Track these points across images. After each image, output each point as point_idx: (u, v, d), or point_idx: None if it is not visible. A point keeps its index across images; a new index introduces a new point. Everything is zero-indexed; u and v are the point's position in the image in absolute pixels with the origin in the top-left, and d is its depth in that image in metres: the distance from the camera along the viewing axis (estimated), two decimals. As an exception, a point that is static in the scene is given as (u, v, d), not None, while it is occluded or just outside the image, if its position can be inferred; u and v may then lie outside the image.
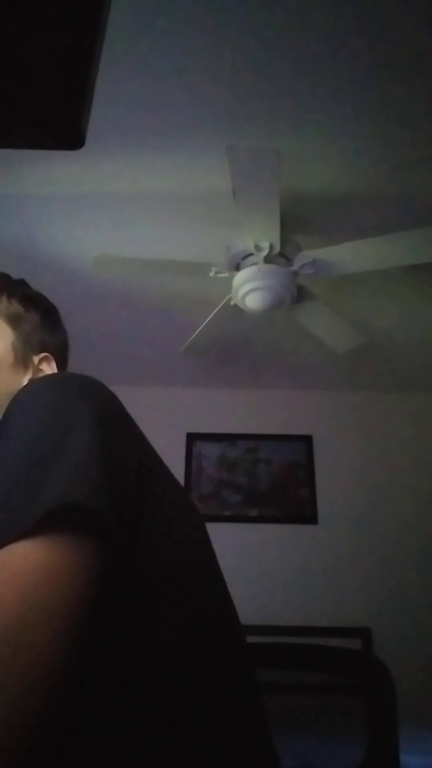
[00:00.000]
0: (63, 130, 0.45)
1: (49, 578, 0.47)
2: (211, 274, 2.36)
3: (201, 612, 0.62)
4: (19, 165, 2.11)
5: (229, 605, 0.68)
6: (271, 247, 2.23)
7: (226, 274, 2.36)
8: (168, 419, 3.46)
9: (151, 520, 0.59)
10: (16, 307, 0.94)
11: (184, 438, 3.55)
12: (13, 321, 0.92)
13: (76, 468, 0.53)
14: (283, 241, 2.23)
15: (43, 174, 2.16)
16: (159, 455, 0.69)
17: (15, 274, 1.01)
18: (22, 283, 0.99)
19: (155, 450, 0.69)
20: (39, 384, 0.64)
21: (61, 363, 0.98)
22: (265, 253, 2.25)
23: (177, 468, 3.34)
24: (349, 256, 2.23)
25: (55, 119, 0.44)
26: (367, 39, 1.67)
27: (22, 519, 0.49)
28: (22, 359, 0.90)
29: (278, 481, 3.47)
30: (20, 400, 0.62)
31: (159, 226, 2.40)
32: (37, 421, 0.58)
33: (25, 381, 0.89)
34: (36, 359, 0.92)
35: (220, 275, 2.36)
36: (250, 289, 2.31)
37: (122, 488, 0.56)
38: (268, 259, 2.27)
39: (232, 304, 2.46)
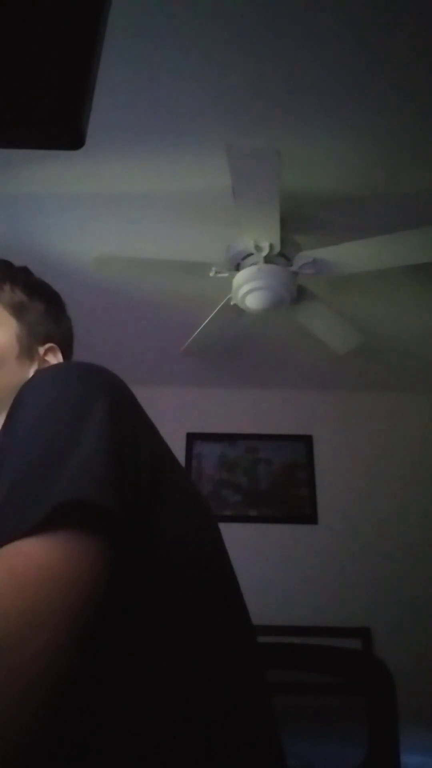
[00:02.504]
0: (63, 130, 0.45)
1: (53, 578, 0.46)
2: (211, 274, 2.36)
3: (211, 610, 0.60)
4: (19, 165, 2.11)
5: (239, 603, 0.67)
6: (271, 247, 2.23)
7: (226, 274, 2.36)
8: (168, 419, 3.44)
9: (162, 516, 0.57)
10: (20, 295, 0.89)
11: (184, 438, 3.55)
12: (17, 310, 0.88)
13: (85, 463, 0.51)
14: (283, 241, 2.23)
15: (43, 174, 2.15)
16: (169, 446, 0.67)
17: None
18: (24, 270, 0.95)
19: (165, 441, 0.66)
20: (48, 374, 0.62)
21: (67, 353, 0.95)
22: (265, 253, 2.25)
23: (177, 468, 3.33)
24: (349, 256, 2.23)
25: (55, 119, 0.44)
26: (366, 40, 1.67)
27: (27, 515, 0.47)
28: (27, 350, 0.86)
29: (278, 481, 3.47)
30: (29, 390, 0.60)
31: (159, 226, 2.40)
32: (46, 413, 0.56)
33: (31, 373, 0.85)
34: (41, 350, 0.88)
35: (220, 275, 2.36)
36: (250, 289, 2.31)
37: (133, 483, 0.54)
38: (268, 259, 2.27)
39: (232, 304, 2.46)
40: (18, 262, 0.99)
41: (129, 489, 0.53)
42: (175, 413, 3.53)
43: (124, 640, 0.53)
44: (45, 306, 0.92)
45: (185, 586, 0.58)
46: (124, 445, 0.55)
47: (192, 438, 3.56)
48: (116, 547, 0.50)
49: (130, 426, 0.58)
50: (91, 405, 0.56)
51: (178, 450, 3.48)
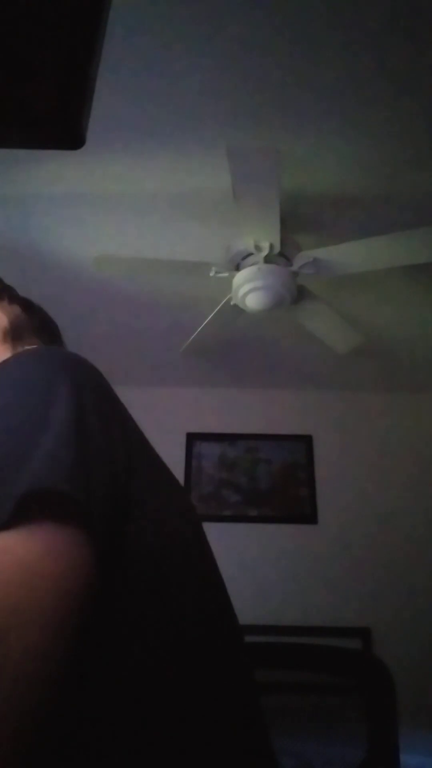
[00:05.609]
0: (63, 130, 0.45)
1: (33, 573, 0.43)
2: (211, 274, 2.36)
3: (194, 608, 0.60)
4: (19, 165, 2.11)
5: (223, 600, 0.66)
6: (271, 247, 2.23)
7: (226, 274, 2.36)
8: (168, 419, 3.46)
9: (140, 507, 0.55)
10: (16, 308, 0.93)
11: (184, 438, 3.55)
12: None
13: (55, 451, 0.48)
14: (283, 241, 2.23)
15: (44, 174, 2.16)
16: (147, 438, 0.65)
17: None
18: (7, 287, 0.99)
19: (140, 430, 0.65)
20: (20, 357, 0.61)
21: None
22: (265, 253, 2.25)
23: (177, 468, 3.34)
24: (349, 256, 2.23)
25: (55, 119, 0.44)
26: (367, 40, 1.67)
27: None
28: (11, 343, 0.90)
29: (278, 481, 3.47)
30: None
31: (159, 226, 2.40)
32: (14, 398, 0.54)
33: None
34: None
35: (220, 275, 2.36)
36: (250, 289, 2.31)
37: (109, 472, 0.52)
38: (268, 259, 2.27)
39: (232, 304, 2.46)
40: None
41: (103, 476, 0.51)
42: (175, 413, 3.53)
43: (106, 637, 0.52)
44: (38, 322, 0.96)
45: (168, 578, 0.57)
46: (97, 432, 0.53)
47: (192, 438, 3.56)
48: (99, 539, 0.48)
49: (104, 413, 0.57)
50: (62, 390, 0.55)
51: (178, 450, 3.48)
